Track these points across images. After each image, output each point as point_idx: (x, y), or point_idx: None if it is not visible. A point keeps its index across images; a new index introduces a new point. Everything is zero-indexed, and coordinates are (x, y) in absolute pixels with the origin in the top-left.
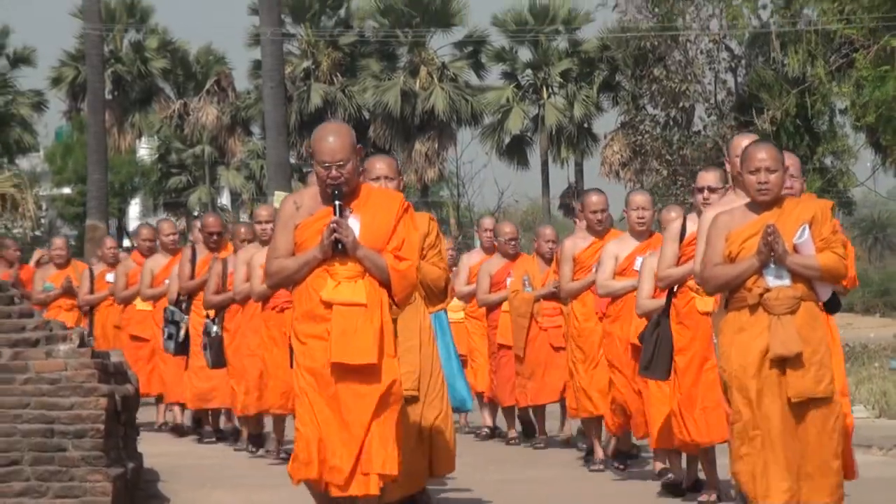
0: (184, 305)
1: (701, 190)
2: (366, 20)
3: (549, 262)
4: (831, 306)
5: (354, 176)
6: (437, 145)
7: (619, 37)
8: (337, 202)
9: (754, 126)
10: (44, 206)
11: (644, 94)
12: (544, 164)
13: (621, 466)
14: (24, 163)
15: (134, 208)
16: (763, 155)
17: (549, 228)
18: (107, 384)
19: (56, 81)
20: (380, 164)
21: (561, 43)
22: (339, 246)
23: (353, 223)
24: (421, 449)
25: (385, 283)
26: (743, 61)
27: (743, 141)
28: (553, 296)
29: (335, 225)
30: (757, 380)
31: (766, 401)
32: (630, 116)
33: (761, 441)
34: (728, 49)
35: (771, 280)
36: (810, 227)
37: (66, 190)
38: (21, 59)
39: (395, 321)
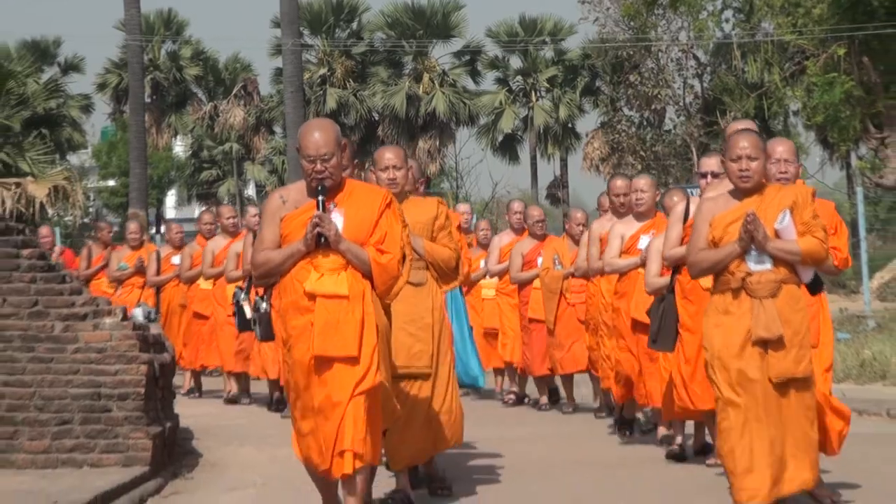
0: (245, 287)
1: (704, 175)
2: (375, 32)
3: (577, 242)
4: (814, 288)
5: (339, 170)
6: (437, 143)
7: (599, 47)
8: (320, 197)
9: (718, 126)
10: (91, 197)
11: (621, 98)
12: (533, 160)
13: (627, 433)
14: (73, 158)
15: (170, 198)
16: (744, 143)
17: (580, 212)
18: (147, 353)
19: (102, 87)
20: (388, 154)
21: (547, 52)
22: (322, 239)
23: (337, 217)
24: (430, 422)
25: (367, 276)
26: (708, 68)
27: (738, 125)
28: (583, 274)
29: (317, 219)
30: (739, 360)
31: (749, 381)
32: (608, 117)
33: (744, 419)
34: (695, 58)
35: (753, 264)
36: (791, 212)
37: (111, 182)
38: (71, 67)
39: (388, 307)
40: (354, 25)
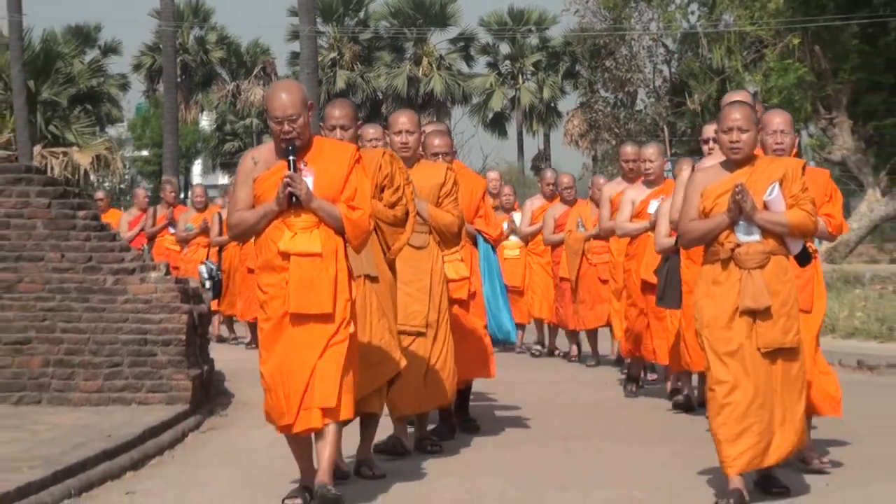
0: None
1: (706, 141)
2: (380, 21)
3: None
4: (802, 259)
5: (307, 130)
6: (435, 120)
7: (579, 35)
8: (290, 157)
9: (685, 106)
10: (127, 165)
11: (598, 81)
12: (519, 135)
13: (633, 389)
14: (112, 131)
15: (196, 167)
16: (736, 115)
17: (602, 178)
18: (187, 304)
19: (137, 67)
20: (403, 119)
21: (533, 40)
22: (294, 198)
23: (308, 176)
24: (424, 378)
25: (340, 232)
26: (675, 55)
27: (732, 96)
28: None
29: (288, 179)
30: (728, 330)
31: (737, 351)
32: (587, 98)
33: (731, 388)
34: (664, 46)
35: (741, 236)
36: (781, 184)
37: (145, 153)
38: (110, 49)
39: (393, 263)
40: (361, 14)
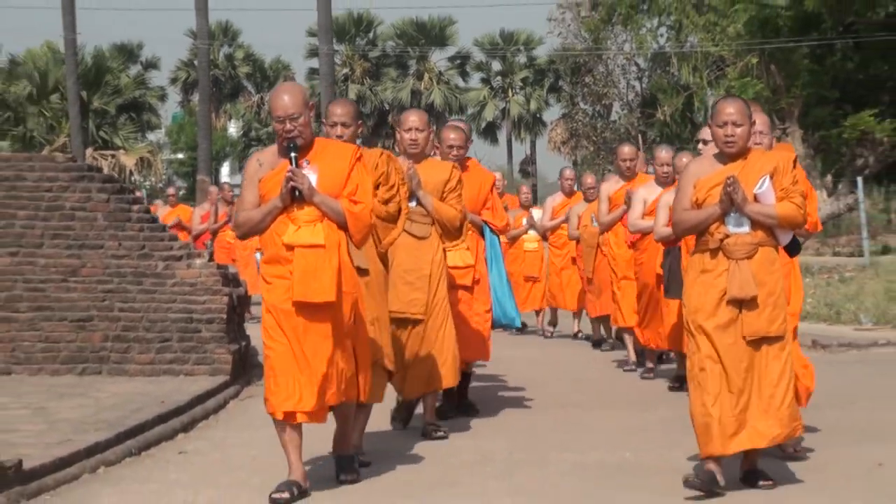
0: None
1: (700, 141)
2: (387, 41)
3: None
4: (792, 250)
5: (308, 129)
6: (435, 128)
7: (562, 54)
8: (292, 154)
9: (655, 118)
10: (165, 166)
11: (578, 95)
12: (509, 142)
13: (648, 375)
14: (151, 136)
15: (225, 168)
16: (731, 109)
17: (591, 176)
18: (227, 287)
19: (174, 80)
20: (413, 117)
21: (521, 58)
22: (297, 193)
23: (311, 173)
24: (424, 362)
25: (342, 226)
26: (646, 73)
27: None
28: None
29: (290, 174)
30: (714, 318)
31: (723, 338)
32: (568, 110)
33: (714, 374)
34: (636, 64)
35: (731, 227)
36: (771, 177)
37: (180, 155)
38: (151, 65)
39: (385, 256)
40: (371, 35)
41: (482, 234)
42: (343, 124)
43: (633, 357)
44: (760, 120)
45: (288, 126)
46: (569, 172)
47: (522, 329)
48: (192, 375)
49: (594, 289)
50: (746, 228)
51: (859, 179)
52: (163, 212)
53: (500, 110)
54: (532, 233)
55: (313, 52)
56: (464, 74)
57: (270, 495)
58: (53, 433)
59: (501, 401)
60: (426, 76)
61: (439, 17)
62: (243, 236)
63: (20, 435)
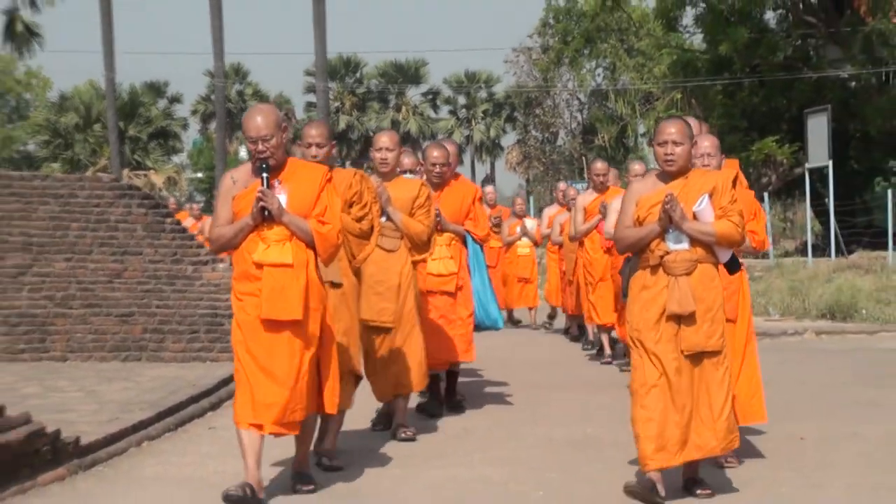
0: None
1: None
2: (371, 79)
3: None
4: (731, 267)
5: (280, 150)
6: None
7: (516, 90)
8: (264, 174)
9: (594, 143)
10: (187, 184)
11: (530, 124)
12: (472, 163)
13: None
14: (176, 158)
15: None
16: (671, 129)
17: (563, 184)
18: None
19: (194, 112)
20: (384, 138)
21: (482, 93)
22: (266, 213)
23: (281, 193)
24: (394, 368)
25: (311, 245)
26: (586, 105)
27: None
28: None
29: (261, 194)
30: (655, 333)
31: (664, 354)
32: (522, 136)
33: (653, 387)
34: (578, 99)
35: (671, 244)
36: (711, 196)
37: (199, 175)
38: (175, 99)
39: (358, 270)
40: (357, 74)
41: (465, 243)
42: (318, 145)
43: (608, 350)
44: (710, 142)
45: (260, 147)
46: (563, 185)
47: (516, 325)
48: (217, 361)
49: (573, 289)
50: (686, 245)
51: (765, 194)
52: (188, 223)
53: (465, 136)
54: (525, 239)
55: (309, 89)
56: (435, 107)
57: (224, 492)
58: (104, 412)
59: (482, 383)
60: (403, 109)
61: (414, 60)
62: (216, 251)
63: (77, 414)
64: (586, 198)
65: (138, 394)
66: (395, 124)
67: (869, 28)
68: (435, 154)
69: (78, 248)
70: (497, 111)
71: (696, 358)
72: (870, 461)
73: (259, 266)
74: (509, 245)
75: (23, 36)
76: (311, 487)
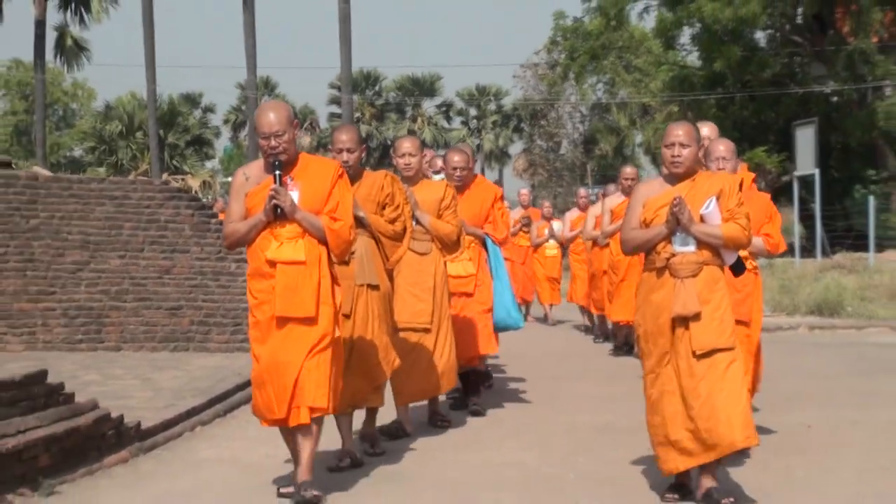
0: None
1: (626, 178)
2: (389, 92)
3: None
4: (736, 269)
5: (292, 146)
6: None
7: (523, 103)
8: (277, 171)
9: (595, 152)
10: (219, 188)
11: (535, 134)
12: (482, 170)
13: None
14: (209, 164)
15: None
16: (679, 131)
17: (584, 189)
18: None
19: (226, 121)
20: (406, 144)
21: (492, 106)
22: (279, 210)
23: (293, 190)
24: (430, 369)
25: (323, 242)
26: (588, 118)
27: (701, 125)
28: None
29: (273, 192)
30: (665, 336)
31: (676, 358)
32: (528, 145)
33: (672, 397)
34: (580, 111)
35: (678, 246)
36: (718, 199)
37: (229, 179)
38: (209, 109)
39: (391, 272)
40: (377, 87)
41: (484, 246)
42: (348, 150)
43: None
44: (725, 146)
45: (273, 143)
46: (583, 192)
47: (544, 321)
48: None
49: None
50: (692, 248)
51: None
52: None
53: (475, 145)
54: (552, 241)
55: (332, 100)
56: (448, 118)
57: (279, 488)
58: (159, 399)
59: (505, 378)
60: (419, 119)
61: (430, 74)
62: (230, 247)
63: (135, 401)
64: (614, 200)
65: (188, 382)
66: (411, 133)
67: (851, 47)
68: (456, 158)
69: (131, 246)
70: (505, 122)
71: (710, 357)
72: (875, 446)
73: (272, 264)
74: (537, 246)
75: (71, 50)
76: (317, 494)
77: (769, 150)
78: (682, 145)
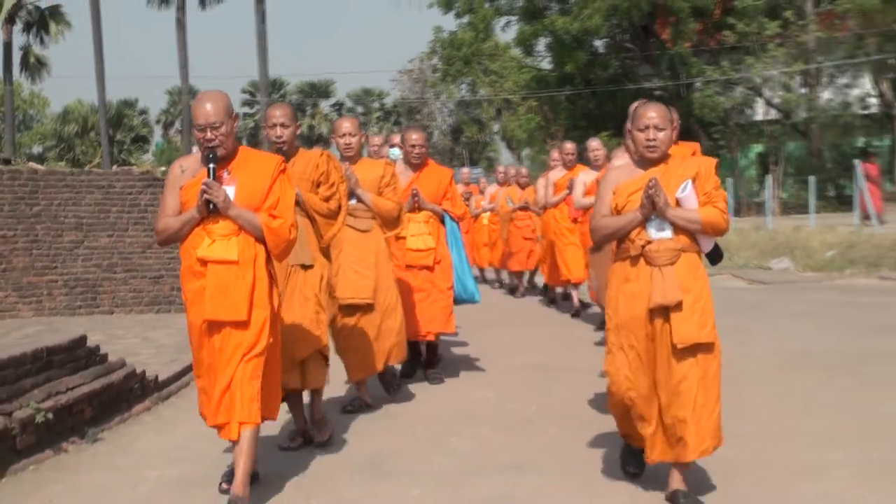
0: None
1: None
2: (292, 95)
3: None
4: (714, 257)
5: (230, 139)
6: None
7: (401, 102)
8: (211, 165)
9: (461, 140)
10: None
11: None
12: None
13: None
14: (144, 157)
15: None
16: (652, 113)
17: (524, 168)
18: None
19: (158, 122)
20: (346, 124)
21: (376, 104)
22: (211, 205)
23: (229, 185)
24: (375, 342)
25: (261, 240)
26: (455, 112)
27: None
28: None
29: (205, 186)
30: (644, 329)
31: (652, 348)
32: None
33: (646, 392)
34: (447, 107)
35: (653, 232)
36: (693, 182)
37: (163, 168)
38: (143, 112)
39: (327, 250)
40: (282, 91)
41: (443, 222)
42: (282, 125)
43: (576, 304)
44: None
45: (209, 135)
46: (501, 168)
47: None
48: None
49: (508, 249)
50: (669, 233)
51: None
52: None
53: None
54: (487, 212)
55: (245, 103)
56: (340, 115)
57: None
58: (163, 354)
59: (468, 327)
60: (317, 116)
61: (325, 80)
62: (163, 243)
63: (144, 357)
64: (556, 174)
65: (182, 338)
66: (311, 128)
67: (671, 51)
68: (414, 137)
69: (117, 226)
70: (387, 117)
71: (693, 356)
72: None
73: (203, 262)
74: (475, 218)
75: (34, 66)
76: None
77: (610, 136)
78: (657, 128)
